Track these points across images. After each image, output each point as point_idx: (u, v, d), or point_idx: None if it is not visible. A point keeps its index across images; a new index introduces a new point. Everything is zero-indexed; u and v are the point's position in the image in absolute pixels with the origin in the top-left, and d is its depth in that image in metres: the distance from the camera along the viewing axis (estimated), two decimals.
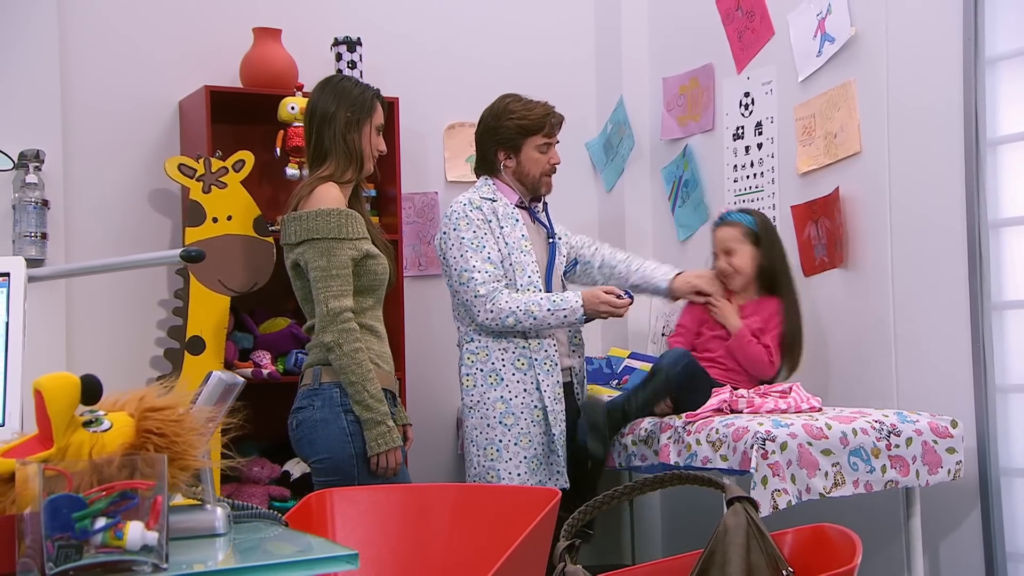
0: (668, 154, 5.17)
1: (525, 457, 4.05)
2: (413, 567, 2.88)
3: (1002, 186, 3.80)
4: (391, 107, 4.43)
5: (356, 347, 3.53)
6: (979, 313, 3.78)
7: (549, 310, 4.03)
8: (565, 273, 4.39)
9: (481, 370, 4.11)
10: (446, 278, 4.22)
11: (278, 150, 4.48)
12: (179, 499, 1.79)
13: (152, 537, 1.44)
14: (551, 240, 4.29)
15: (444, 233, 4.18)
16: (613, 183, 5.30)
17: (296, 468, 4.44)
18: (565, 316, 4.04)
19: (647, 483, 2.34)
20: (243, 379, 1.86)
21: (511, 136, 4.20)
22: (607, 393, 4.48)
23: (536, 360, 4.08)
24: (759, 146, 4.68)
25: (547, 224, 4.31)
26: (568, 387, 4.21)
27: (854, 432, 3.56)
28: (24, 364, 2.36)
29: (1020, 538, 3.76)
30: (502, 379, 4.08)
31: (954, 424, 3.71)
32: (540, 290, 4.12)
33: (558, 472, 4.06)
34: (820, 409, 3.79)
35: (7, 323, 2.40)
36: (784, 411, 3.72)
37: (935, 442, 3.66)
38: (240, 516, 1.85)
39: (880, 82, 4.10)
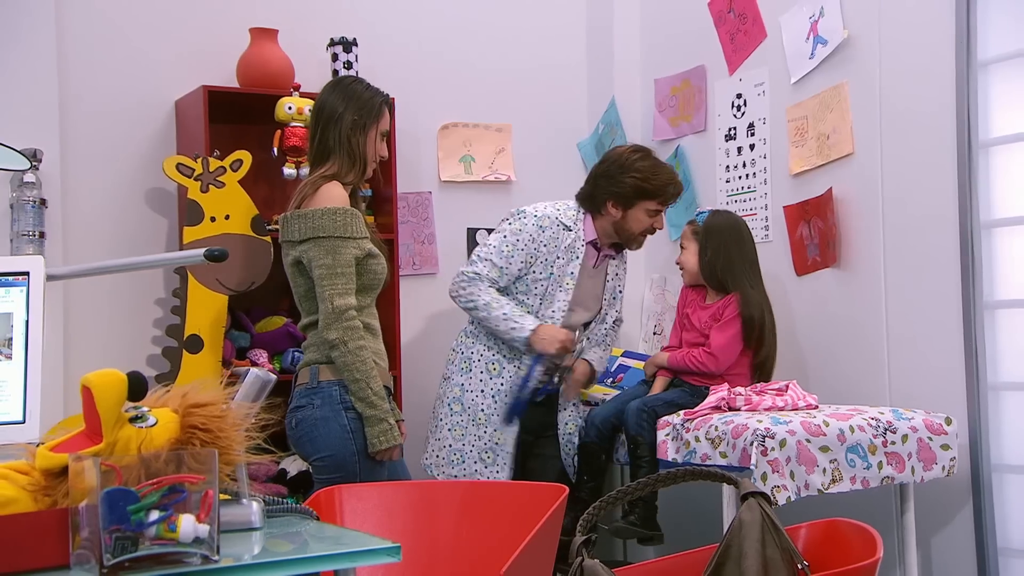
0: (660, 154, 5.16)
1: (450, 445, 4.19)
2: (422, 563, 2.91)
3: (994, 187, 3.87)
4: None
5: (360, 344, 3.56)
6: (971, 312, 3.84)
7: (504, 315, 4.12)
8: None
9: (461, 352, 4.28)
10: None
11: (275, 150, 4.50)
12: None
13: (203, 530, 1.48)
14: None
15: (505, 219, 4.27)
16: None
17: (292, 466, 4.46)
18: (512, 330, 4.11)
19: (661, 478, 2.37)
20: (275, 376, 1.89)
21: (628, 193, 4.19)
22: (604, 392, 4.52)
23: (505, 369, 4.19)
24: (751, 147, 4.73)
25: (607, 274, 4.36)
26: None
27: (851, 429, 3.62)
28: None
29: (1012, 533, 3.83)
30: (470, 370, 4.24)
31: (948, 421, 3.77)
32: (557, 324, 4.18)
33: (490, 469, 4.17)
34: (816, 407, 3.85)
35: (27, 321, 2.42)
36: (781, 408, 3.77)
37: (930, 439, 3.73)
38: (273, 511, 1.88)
39: (873, 84, 4.16)
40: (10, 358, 2.41)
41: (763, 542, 2.16)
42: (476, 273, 4.16)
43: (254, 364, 4.47)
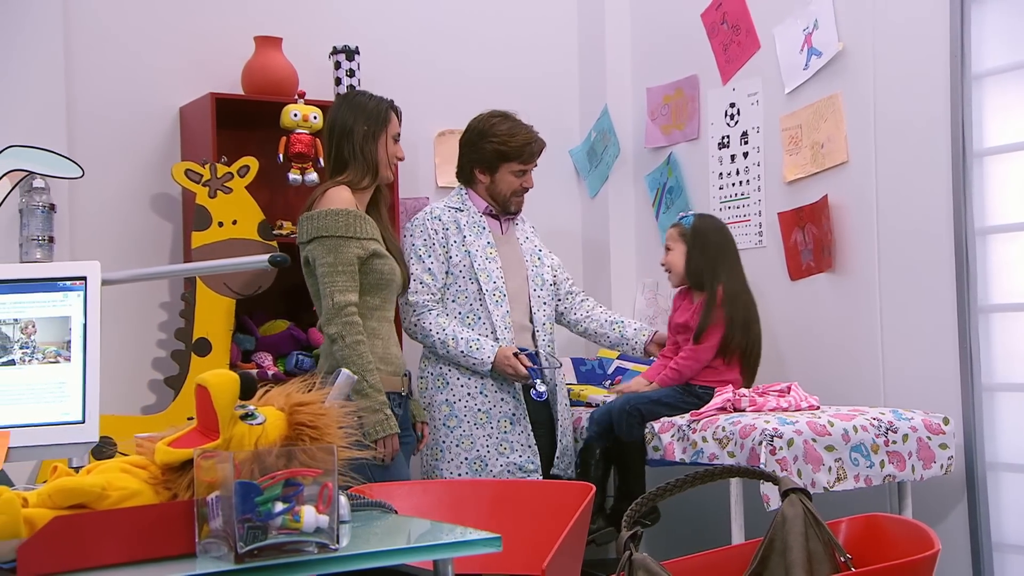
0: (652, 162, 5.32)
1: (466, 459, 4.21)
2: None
3: (987, 195, 3.99)
4: None
5: (358, 339, 3.66)
6: (966, 316, 3.96)
7: (463, 352, 4.18)
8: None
9: (432, 373, 4.30)
10: None
11: (281, 156, 4.57)
12: None
13: (323, 520, 1.56)
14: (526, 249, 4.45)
15: (404, 238, 4.36)
16: (597, 189, 5.45)
17: None
18: (474, 364, 4.19)
19: (698, 476, 2.46)
20: (356, 376, 1.97)
21: (489, 158, 4.34)
22: (601, 394, 4.61)
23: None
24: (745, 155, 4.84)
25: (518, 239, 4.46)
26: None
27: (855, 429, 3.74)
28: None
29: (1005, 529, 3.96)
30: (448, 383, 4.26)
31: (946, 421, 3.90)
32: (505, 296, 4.26)
33: (519, 469, 4.21)
34: (819, 407, 3.96)
35: (85, 324, 2.49)
36: (785, 409, 3.88)
37: (929, 438, 3.85)
38: (356, 504, 1.96)
39: (867, 95, 4.27)
40: (69, 360, 2.48)
41: (806, 536, 2.26)
42: (415, 303, 4.20)
43: (260, 367, 4.53)
